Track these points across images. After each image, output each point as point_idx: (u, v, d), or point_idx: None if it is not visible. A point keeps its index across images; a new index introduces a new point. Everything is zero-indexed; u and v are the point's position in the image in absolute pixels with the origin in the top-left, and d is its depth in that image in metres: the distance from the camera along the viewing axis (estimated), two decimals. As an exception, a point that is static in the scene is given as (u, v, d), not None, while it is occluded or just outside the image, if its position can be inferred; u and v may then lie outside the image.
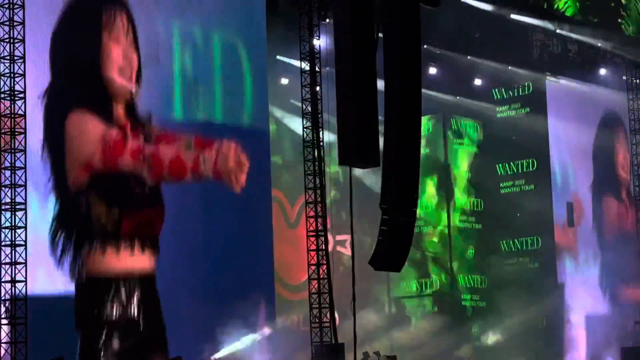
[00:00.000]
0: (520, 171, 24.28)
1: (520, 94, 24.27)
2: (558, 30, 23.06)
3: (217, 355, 14.45)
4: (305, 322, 18.35)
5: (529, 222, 23.76)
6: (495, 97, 24.55)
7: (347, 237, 19.86)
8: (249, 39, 18.34)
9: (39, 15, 14.34)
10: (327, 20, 17.83)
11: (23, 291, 13.70)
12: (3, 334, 13.70)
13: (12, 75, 13.79)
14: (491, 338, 23.37)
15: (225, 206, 16.47)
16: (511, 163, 24.38)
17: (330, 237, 19.28)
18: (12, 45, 13.78)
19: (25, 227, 13.82)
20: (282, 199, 20.49)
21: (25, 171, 13.68)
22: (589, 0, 23.97)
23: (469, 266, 24.27)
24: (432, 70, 22.19)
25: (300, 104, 18.02)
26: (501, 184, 24.54)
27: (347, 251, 19.95)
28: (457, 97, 23.92)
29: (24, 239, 13.75)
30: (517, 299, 22.57)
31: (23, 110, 13.75)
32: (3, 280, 13.69)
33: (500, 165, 24.52)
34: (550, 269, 23.77)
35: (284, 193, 20.44)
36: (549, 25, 22.78)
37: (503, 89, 24.39)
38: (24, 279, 13.68)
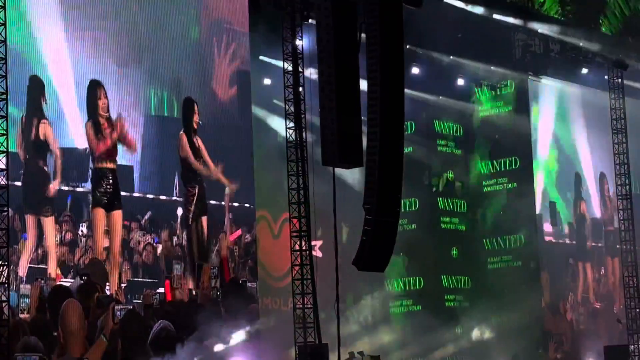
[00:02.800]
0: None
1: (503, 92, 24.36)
2: (540, 30, 23.11)
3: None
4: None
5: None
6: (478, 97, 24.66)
7: (319, 242, 19.95)
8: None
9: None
10: (310, 20, 17.82)
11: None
12: None
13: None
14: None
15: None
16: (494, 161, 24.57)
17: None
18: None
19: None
20: (267, 216, 20.51)
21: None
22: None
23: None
24: (415, 70, 22.22)
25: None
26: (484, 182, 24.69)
27: (319, 254, 19.99)
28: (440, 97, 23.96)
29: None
30: None
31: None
32: None
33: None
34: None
35: (268, 211, 20.43)
36: (531, 25, 22.83)
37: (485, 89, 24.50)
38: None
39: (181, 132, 17.63)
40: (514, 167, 24.26)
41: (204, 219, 17.73)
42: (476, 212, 24.63)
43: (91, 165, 16.07)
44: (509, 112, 24.31)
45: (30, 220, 15.15)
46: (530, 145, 24.24)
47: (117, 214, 16.27)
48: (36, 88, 15.45)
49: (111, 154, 16.31)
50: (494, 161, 24.56)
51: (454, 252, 24.13)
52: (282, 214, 19.58)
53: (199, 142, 17.72)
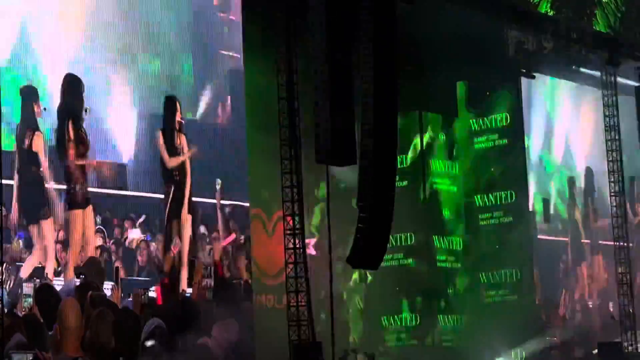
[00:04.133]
0: None
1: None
2: (533, 28, 23.11)
3: None
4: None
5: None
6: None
7: (312, 240, 19.98)
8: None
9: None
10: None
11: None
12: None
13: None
14: None
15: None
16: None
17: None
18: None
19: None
20: (261, 214, 20.55)
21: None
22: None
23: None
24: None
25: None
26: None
27: (312, 251, 20.01)
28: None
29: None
30: None
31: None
32: None
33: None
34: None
35: (262, 208, 20.46)
36: (524, 22, 22.85)
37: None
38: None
39: (159, 131, 17.49)
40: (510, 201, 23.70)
41: (188, 218, 17.64)
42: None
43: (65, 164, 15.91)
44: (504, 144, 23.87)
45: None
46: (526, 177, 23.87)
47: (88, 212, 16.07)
48: (30, 94, 15.40)
49: (82, 153, 16.12)
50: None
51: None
52: (276, 212, 19.60)
53: (182, 140, 17.57)
